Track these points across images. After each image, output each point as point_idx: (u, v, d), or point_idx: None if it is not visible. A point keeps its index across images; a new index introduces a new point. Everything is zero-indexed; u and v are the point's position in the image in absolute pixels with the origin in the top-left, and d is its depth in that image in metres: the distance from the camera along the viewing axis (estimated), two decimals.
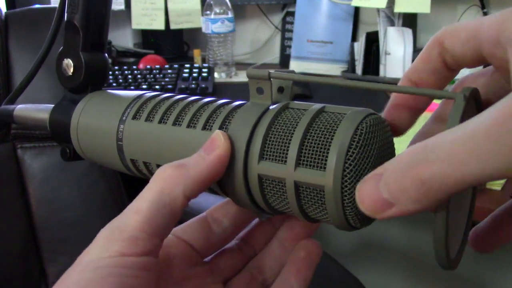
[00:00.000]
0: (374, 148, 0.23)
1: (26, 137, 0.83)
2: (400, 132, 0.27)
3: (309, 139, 0.24)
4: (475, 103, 0.22)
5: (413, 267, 1.37)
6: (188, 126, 0.28)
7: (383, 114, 0.27)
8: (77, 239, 0.85)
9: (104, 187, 0.87)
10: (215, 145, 0.25)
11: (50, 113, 0.36)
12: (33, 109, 0.38)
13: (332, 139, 0.23)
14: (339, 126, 0.23)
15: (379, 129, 0.24)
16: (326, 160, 0.23)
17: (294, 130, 0.24)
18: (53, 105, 0.37)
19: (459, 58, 0.22)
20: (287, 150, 0.24)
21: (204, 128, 0.28)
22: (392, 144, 0.26)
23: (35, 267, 0.82)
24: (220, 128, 0.27)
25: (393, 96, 0.27)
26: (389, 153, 0.25)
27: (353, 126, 0.23)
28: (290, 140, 0.24)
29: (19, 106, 0.39)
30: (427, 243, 1.34)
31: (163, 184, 0.25)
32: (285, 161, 0.24)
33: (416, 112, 0.26)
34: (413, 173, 0.18)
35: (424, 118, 0.27)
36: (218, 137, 0.26)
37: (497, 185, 0.66)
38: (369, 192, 0.20)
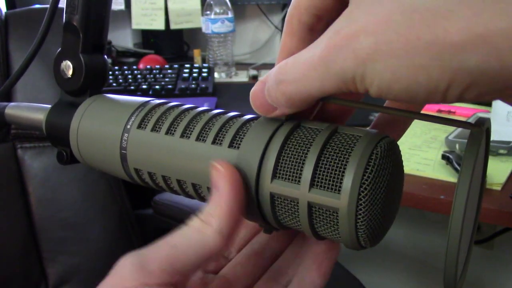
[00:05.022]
0: (388, 172, 0.23)
1: (26, 137, 0.83)
2: None
3: (323, 160, 0.24)
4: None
5: (413, 267, 1.37)
6: (197, 139, 0.28)
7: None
8: (77, 239, 0.85)
9: (104, 187, 0.88)
10: (219, 178, 0.25)
11: (47, 115, 0.35)
12: (27, 108, 0.37)
13: (347, 162, 0.23)
14: (354, 148, 0.23)
15: (392, 153, 0.24)
16: (341, 183, 0.23)
17: (308, 150, 0.24)
18: (48, 106, 0.36)
19: (320, 5, 0.24)
20: (301, 171, 0.24)
21: (214, 142, 0.27)
22: (402, 164, 0.26)
23: (35, 267, 0.82)
24: (231, 142, 0.26)
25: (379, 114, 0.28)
26: (400, 173, 0.25)
27: (368, 150, 0.23)
28: (305, 160, 0.24)
29: (12, 104, 0.38)
30: (427, 243, 1.34)
31: (204, 230, 0.24)
32: (299, 181, 0.24)
33: (403, 129, 0.29)
34: (279, 90, 0.23)
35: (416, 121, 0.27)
36: (215, 169, 0.25)
37: (497, 185, 0.66)
38: (258, 95, 0.25)
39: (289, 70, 0.23)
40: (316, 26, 0.25)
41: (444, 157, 0.72)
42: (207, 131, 0.28)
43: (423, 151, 0.78)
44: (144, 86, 1.10)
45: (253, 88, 0.25)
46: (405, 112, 0.24)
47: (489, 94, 0.19)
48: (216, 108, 1.15)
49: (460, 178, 0.20)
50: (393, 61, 0.19)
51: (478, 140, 0.21)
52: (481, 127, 0.22)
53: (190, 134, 0.28)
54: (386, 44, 0.19)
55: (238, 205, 0.25)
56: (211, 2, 1.26)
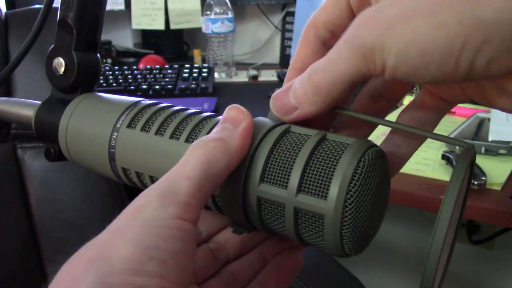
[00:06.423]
0: (375, 180, 0.24)
1: (26, 137, 0.83)
2: None
3: (311, 166, 0.24)
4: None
5: (412, 267, 1.37)
6: (187, 140, 0.28)
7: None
8: (77, 239, 0.85)
9: (104, 187, 0.87)
10: (240, 117, 0.25)
11: (36, 111, 0.35)
12: (17, 104, 0.36)
13: (335, 168, 0.23)
14: (342, 156, 0.23)
15: (379, 161, 0.24)
16: (328, 189, 0.23)
17: (296, 156, 0.24)
18: (38, 102, 0.35)
19: (337, 22, 0.27)
20: (289, 176, 0.24)
21: None
22: (389, 174, 0.26)
23: (35, 267, 0.82)
24: None
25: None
26: (387, 182, 0.26)
27: (356, 158, 0.23)
28: (293, 165, 0.24)
29: (2, 98, 0.37)
30: (427, 243, 1.33)
31: (209, 155, 0.23)
32: (286, 186, 0.24)
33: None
34: (310, 79, 0.25)
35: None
36: (239, 109, 0.26)
37: (497, 185, 0.66)
38: (281, 96, 0.26)
39: (321, 61, 0.25)
40: (330, 41, 0.27)
41: (444, 157, 0.72)
42: (197, 133, 0.28)
43: (423, 151, 0.78)
44: (144, 86, 1.10)
45: (276, 91, 0.27)
46: (406, 127, 0.25)
47: (502, 55, 0.20)
48: (216, 108, 1.14)
49: (449, 186, 0.21)
50: (416, 21, 0.21)
51: (469, 155, 0.22)
52: (474, 145, 0.23)
53: (180, 135, 0.28)
54: (412, 7, 0.21)
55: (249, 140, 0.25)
56: (211, 2, 1.26)
